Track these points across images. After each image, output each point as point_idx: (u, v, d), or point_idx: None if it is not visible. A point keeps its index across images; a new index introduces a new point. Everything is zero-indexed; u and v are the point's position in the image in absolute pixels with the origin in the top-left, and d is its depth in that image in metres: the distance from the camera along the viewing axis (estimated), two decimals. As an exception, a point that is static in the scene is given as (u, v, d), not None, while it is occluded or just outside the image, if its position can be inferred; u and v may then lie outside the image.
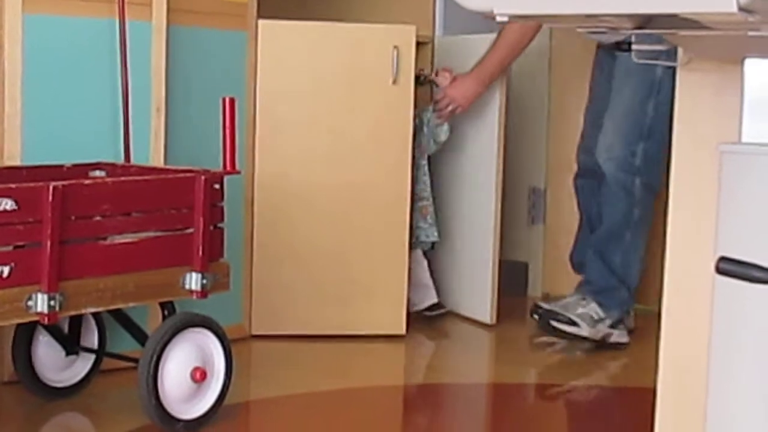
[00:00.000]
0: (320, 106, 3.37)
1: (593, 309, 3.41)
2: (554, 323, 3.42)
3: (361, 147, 3.38)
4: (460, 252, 3.84)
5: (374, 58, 3.37)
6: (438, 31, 3.95)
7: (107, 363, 2.86)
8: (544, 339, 3.59)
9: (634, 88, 3.36)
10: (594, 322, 3.40)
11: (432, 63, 3.86)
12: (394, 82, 3.36)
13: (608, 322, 3.40)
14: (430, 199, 3.67)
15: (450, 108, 3.58)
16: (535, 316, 3.52)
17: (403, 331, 3.46)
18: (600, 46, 3.61)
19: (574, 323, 3.40)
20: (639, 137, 3.36)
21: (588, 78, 3.71)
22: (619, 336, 3.42)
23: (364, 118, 3.38)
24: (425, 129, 3.60)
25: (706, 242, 1.89)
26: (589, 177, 3.63)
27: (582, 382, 3.24)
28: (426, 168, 3.67)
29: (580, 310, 3.42)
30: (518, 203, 4.09)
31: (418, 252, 3.68)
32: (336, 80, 3.37)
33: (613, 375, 3.33)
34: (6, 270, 2.31)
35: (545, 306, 3.52)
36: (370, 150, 3.38)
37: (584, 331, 3.40)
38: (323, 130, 3.38)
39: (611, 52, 3.50)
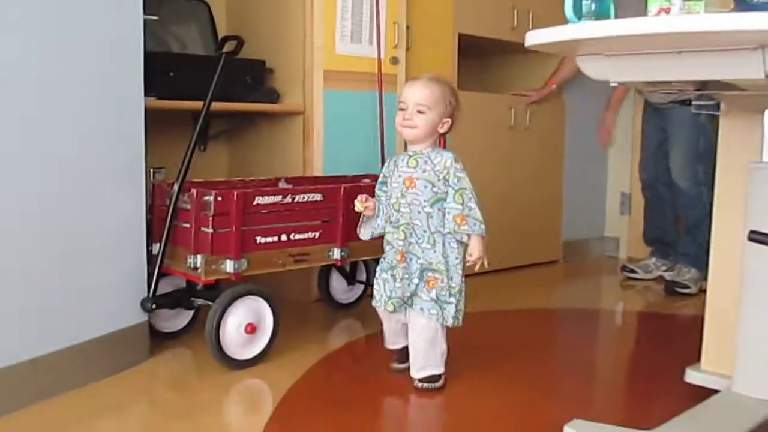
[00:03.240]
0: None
1: (694, 273, 4.64)
2: (678, 289, 4.59)
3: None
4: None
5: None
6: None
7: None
8: (631, 282, 4.90)
9: (689, 131, 4.42)
10: (696, 282, 4.62)
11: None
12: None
13: (701, 278, 4.57)
14: None
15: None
16: (662, 286, 4.70)
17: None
18: (649, 105, 4.82)
19: (688, 287, 4.60)
20: (698, 161, 4.40)
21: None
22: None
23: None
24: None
25: (740, 231, 2.24)
26: (652, 188, 4.79)
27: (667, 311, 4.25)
28: None
29: (687, 276, 4.64)
30: (613, 202, 5.56)
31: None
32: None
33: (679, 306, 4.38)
34: (318, 234, 3.14)
35: (667, 278, 4.74)
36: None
37: (693, 290, 4.60)
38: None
39: (660, 108, 4.65)
